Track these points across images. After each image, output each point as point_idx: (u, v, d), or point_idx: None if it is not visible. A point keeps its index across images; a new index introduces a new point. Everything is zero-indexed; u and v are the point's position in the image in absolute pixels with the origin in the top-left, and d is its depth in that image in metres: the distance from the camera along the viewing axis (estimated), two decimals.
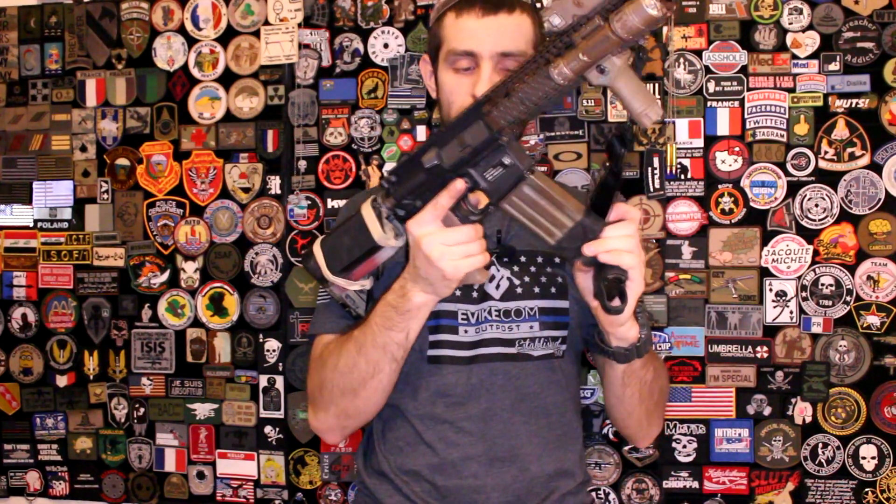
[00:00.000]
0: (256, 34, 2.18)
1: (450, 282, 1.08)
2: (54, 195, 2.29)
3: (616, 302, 1.08)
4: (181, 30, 2.22)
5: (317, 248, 1.21)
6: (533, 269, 1.29)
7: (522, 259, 1.30)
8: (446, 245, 1.05)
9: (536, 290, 1.28)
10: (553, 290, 1.29)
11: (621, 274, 1.06)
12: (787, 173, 1.96)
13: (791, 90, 1.96)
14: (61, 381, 2.29)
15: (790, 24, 1.96)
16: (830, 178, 1.95)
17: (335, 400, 1.22)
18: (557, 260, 1.31)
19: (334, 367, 1.21)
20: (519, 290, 1.27)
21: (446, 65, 1.24)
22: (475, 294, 1.26)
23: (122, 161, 2.26)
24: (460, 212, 1.10)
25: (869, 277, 1.94)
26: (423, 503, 1.25)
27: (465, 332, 1.25)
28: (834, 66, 1.94)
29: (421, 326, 1.17)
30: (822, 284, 1.95)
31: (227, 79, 2.20)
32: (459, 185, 1.07)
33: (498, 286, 1.27)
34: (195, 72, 2.22)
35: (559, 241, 1.08)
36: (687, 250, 1.99)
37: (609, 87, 0.99)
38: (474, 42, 1.20)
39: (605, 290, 1.07)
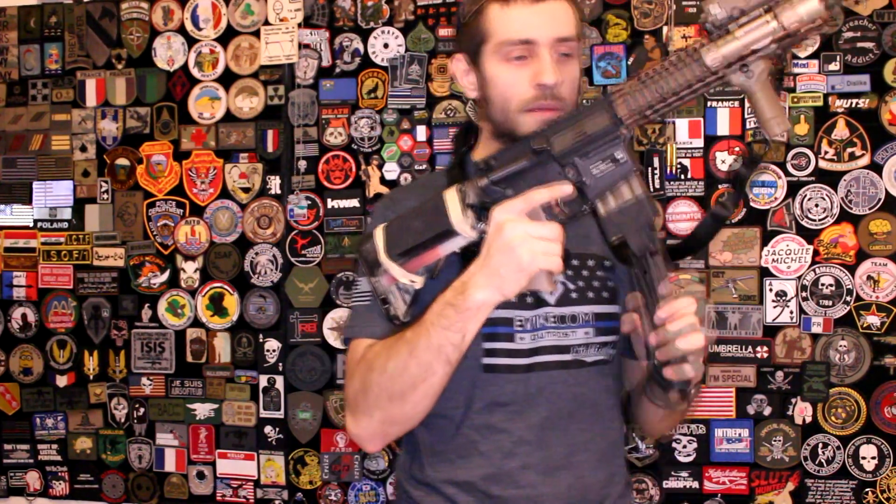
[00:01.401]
0: (256, 34, 2.18)
1: (522, 274, 1.03)
2: (54, 195, 2.29)
3: (675, 398, 1.05)
4: (181, 30, 2.22)
5: (379, 231, 1.15)
6: (585, 272, 1.26)
7: (575, 262, 1.26)
8: (529, 235, 1.02)
9: (590, 294, 1.25)
10: (605, 294, 1.26)
11: (683, 383, 1.03)
12: (787, 173, 1.96)
13: (791, 90, 1.96)
14: (61, 381, 2.29)
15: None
16: (830, 178, 1.94)
17: (381, 405, 1.16)
18: (607, 263, 1.29)
19: (382, 370, 1.15)
20: (574, 294, 1.24)
21: (497, 57, 1.19)
22: (530, 300, 1.23)
23: (122, 161, 2.26)
24: (551, 211, 1.07)
25: (869, 277, 1.94)
26: None
27: (522, 339, 1.21)
28: (834, 66, 1.94)
29: (478, 328, 1.10)
30: (822, 284, 1.95)
31: (227, 79, 2.20)
32: (567, 188, 1.04)
33: (553, 291, 1.25)
34: (195, 72, 2.22)
35: (626, 232, 1.05)
36: None
37: (746, 91, 0.98)
38: (530, 29, 1.15)
39: (664, 388, 1.05)
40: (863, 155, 1.93)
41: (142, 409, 2.25)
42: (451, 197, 1.09)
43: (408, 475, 1.32)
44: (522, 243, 1.01)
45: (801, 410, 1.96)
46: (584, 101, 1.06)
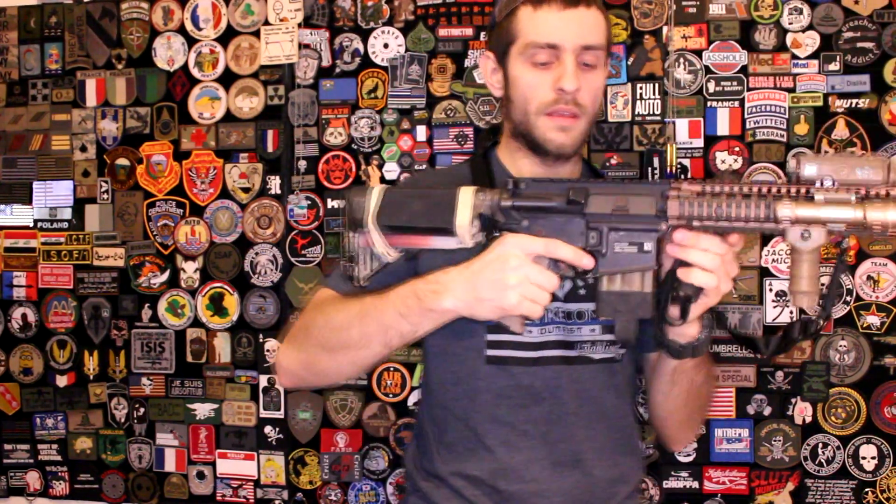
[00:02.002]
0: (256, 34, 2.18)
1: (499, 311, 1.03)
2: (54, 195, 2.29)
3: (675, 314, 1.05)
4: (181, 30, 2.22)
5: (376, 192, 1.10)
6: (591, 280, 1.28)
7: None
8: (528, 279, 1.01)
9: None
10: None
11: (692, 292, 1.03)
12: (787, 173, 1.96)
13: (791, 90, 1.96)
14: (61, 381, 2.29)
15: (790, 24, 1.96)
16: None
17: (311, 348, 1.18)
18: None
19: (327, 318, 1.16)
20: (582, 291, 1.24)
21: (522, 59, 1.20)
22: None
23: (122, 161, 2.26)
24: (555, 263, 1.06)
25: (869, 277, 1.94)
26: None
27: (530, 332, 1.21)
28: (834, 66, 1.94)
29: (432, 329, 1.11)
30: (823, 285, 1.95)
31: (227, 79, 2.20)
32: (589, 262, 1.04)
33: (562, 286, 1.25)
34: (195, 72, 2.22)
35: (617, 317, 1.06)
36: None
37: (794, 252, 1.00)
38: (557, 34, 1.17)
39: (668, 300, 1.04)
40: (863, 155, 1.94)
41: (142, 409, 2.25)
42: (466, 198, 1.07)
43: (417, 466, 1.32)
44: (518, 285, 1.01)
45: (801, 410, 1.96)
46: (638, 178, 1.06)
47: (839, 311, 1.94)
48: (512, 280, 1.01)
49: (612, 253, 1.04)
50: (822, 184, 0.96)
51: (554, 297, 1.22)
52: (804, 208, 0.96)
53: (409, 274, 1.15)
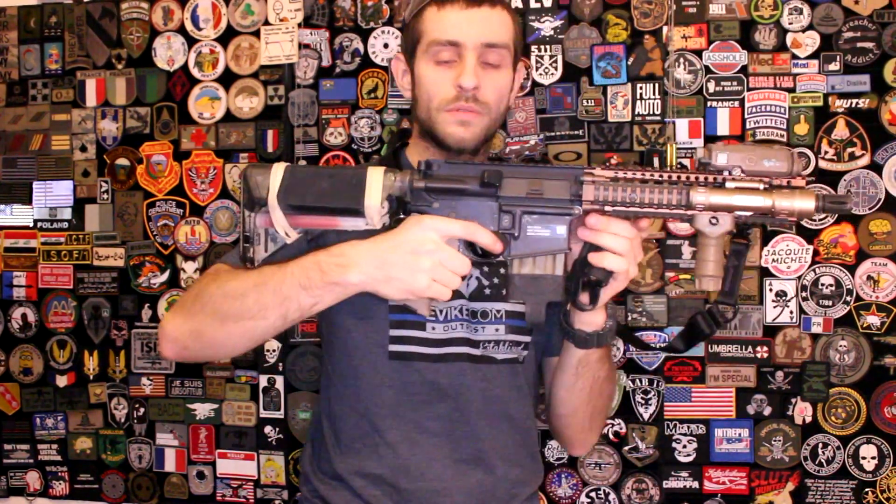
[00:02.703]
0: (256, 34, 2.18)
1: (408, 292, 1.01)
2: (54, 195, 2.29)
3: (585, 300, 1.06)
4: (181, 30, 2.22)
5: (279, 169, 1.06)
6: (502, 270, 1.25)
7: (493, 260, 1.28)
8: (442, 263, 1.00)
9: (504, 292, 1.26)
10: None
11: (603, 276, 1.04)
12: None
13: (791, 90, 1.96)
14: (61, 381, 2.29)
15: (790, 24, 1.96)
16: (830, 178, 1.94)
17: (201, 316, 1.11)
18: None
19: (221, 285, 1.11)
20: (487, 291, 1.25)
21: (427, 57, 1.22)
22: None
23: (122, 161, 2.26)
24: (466, 245, 1.05)
25: (869, 277, 1.94)
26: None
27: (434, 328, 1.21)
28: (834, 66, 1.94)
29: (332, 304, 1.06)
30: (822, 284, 1.95)
31: (227, 79, 2.20)
32: (499, 247, 1.04)
33: (468, 285, 1.25)
34: (195, 72, 2.22)
35: (527, 300, 1.06)
36: (687, 250, 1.99)
37: (702, 239, 1.02)
38: (458, 32, 1.19)
39: (579, 285, 1.05)
40: (863, 155, 1.93)
41: (142, 409, 2.25)
42: (376, 178, 1.05)
43: (314, 468, 1.29)
44: (431, 268, 1.00)
45: (801, 410, 1.97)
46: (551, 162, 1.06)
47: (839, 311, 1.94)
48: (426, 263, 0.99)
49: (525, 236, 1.04)
50: (730, 173, 0.99)
51: (459, 296, 1.23)
52: (717, 195, 0.99)
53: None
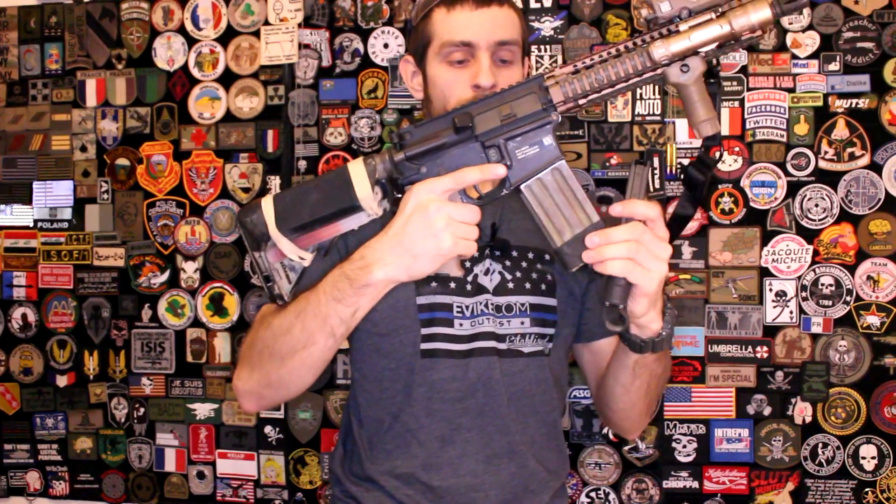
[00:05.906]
0: (256, 34, 2.18)
1: (439, 258, 1.00)
2: (54, 195, 2.29)
3: (616, 327, 1.03)
4: (181, 30, 2.22)
5: (268, 201, 1.06)
6: (524, 264, 1.27)
7: (514, 254, 1.28)
8: (453, 218, 0.99)
9: (527, 285, 1.26)
10: (543, 287, 1.28)
11: (623, 283, 1.01)
12: (787, 173, 1.96)
13: (791, 90, 1.96)
14: (61, 381, 2.29)
15: (790, 24, 1.96)
16: (830, 178, 1.95)
17: (262, 363, 1.15)
18: (547, 257, 1.30)
19: (269, 327, 1.13)
20: (510, 284, 1.25)
21: (439, 59, 1.23)
22: (469, 287, 1.24)
23: (122, 161, 2.26)
24: (465, 193, 1.04)
25: (869, 277, 1.94)
26: None
27: (461, 325, 1.22)
28: (834, 66, 1.94)
29: (372, 306, 1.07)
30: (822, 284, 1.95)
31: (227, 79, 2.20)
32: (500, 170, 1.02)
33: (491, 279, 1.26)
34: (195, 72, 2.22)
35: (567, 242, 1.02)
36: (687, 250, 1.99)
37: (681, 89, 1.00)
38: (470, 32, 1.20)
39: (605, 314, 1.02)
40: (863, 155, 1.93)
41: (142, 409, 2.25)
42: (358, 170, 1.04)
43: (345, 471, 1.31)
44: (447, 227, 0.99)
45: (801, 410, 1.97)
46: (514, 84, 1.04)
47: (839, 311, 1.94)
48: (440, 223, 0.99)
49: (517, 161, 1.03)
50: (680, 18, 0.98)
51: (485, 290, 1.23)
52: (675, 42, 0.98)
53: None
